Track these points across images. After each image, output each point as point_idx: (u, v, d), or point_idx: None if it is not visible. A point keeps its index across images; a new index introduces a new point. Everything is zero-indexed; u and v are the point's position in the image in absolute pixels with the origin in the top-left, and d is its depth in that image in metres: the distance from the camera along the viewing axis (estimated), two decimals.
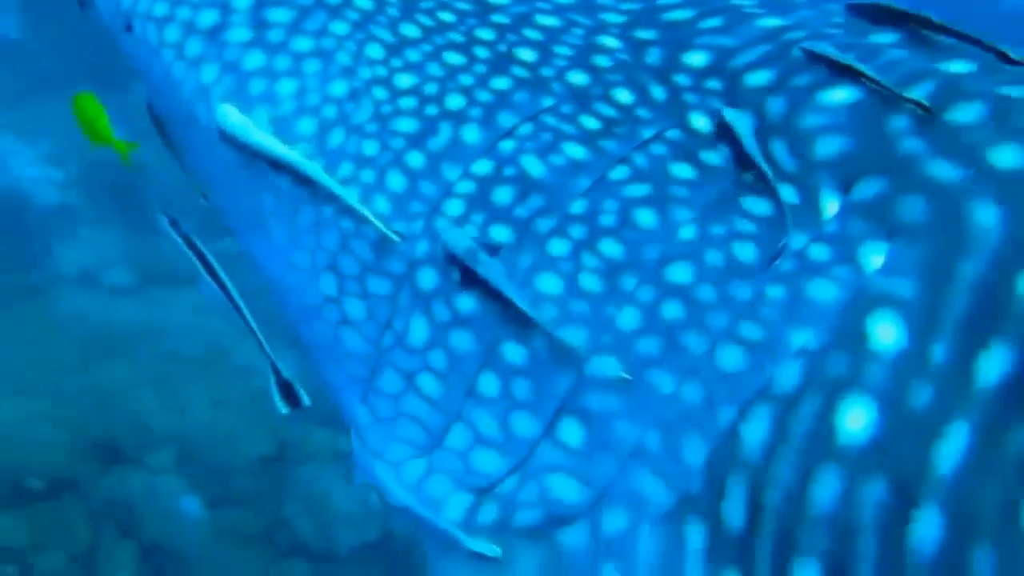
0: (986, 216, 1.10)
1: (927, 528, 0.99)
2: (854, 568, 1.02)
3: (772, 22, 1.44)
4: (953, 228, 1.12)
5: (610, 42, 1.48)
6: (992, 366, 1.01)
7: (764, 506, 1.10)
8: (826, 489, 1.06)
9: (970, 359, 1.03)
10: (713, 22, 1.47)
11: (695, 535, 1.14)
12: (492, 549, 1.24)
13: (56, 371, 5.77)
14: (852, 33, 1.40)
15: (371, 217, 1.40)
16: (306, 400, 1.70)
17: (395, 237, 1.39)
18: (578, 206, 1.32)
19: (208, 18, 1.56)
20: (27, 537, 4.81)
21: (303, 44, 1.53)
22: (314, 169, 1.44)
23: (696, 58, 1.43)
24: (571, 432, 1.23)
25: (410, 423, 1.38)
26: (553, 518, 1.22)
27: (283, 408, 1.68)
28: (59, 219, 7.55)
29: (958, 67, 1.28)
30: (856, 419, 1.07)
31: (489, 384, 1.30)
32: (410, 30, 1.52)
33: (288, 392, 1.70)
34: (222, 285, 1.88)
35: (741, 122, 1.29)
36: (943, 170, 1.16)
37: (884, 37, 1.38)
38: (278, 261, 1.54)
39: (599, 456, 1.21)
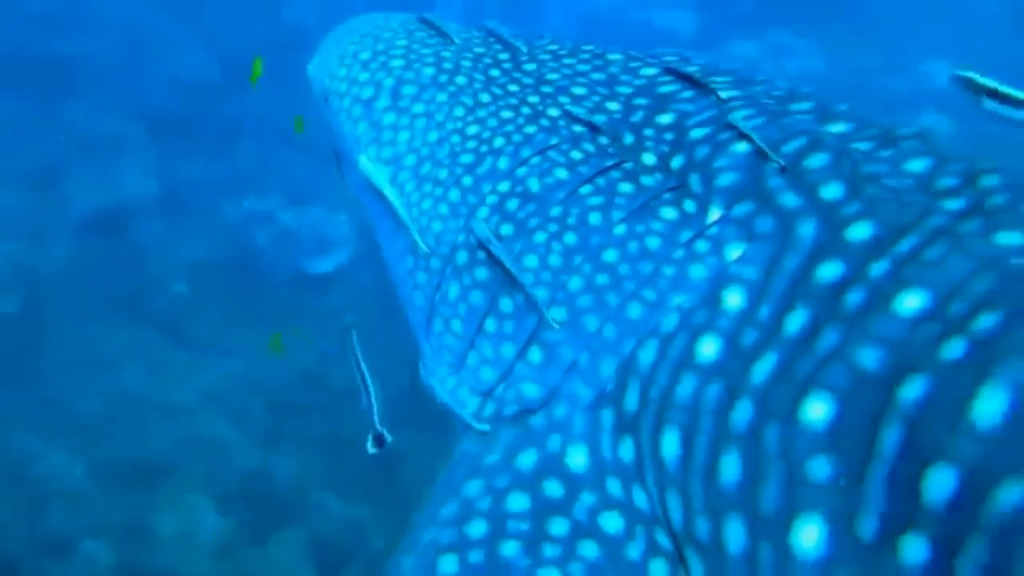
0: (806, 229, 1.63)
1: (742, 414, 1.52)
2: (697, 438, 1.57)
3: (726, 94, 2.04)
4: (787, 237, 1.66)
5: (612, 105, 2.11)
6: (795, 321, 1.54)
7: (649, 398, 1.67)
8: (686, 388, 1.62)
9: (783, 318, 1.56)
10: (686, 94, 2.08)
11: (607, 418, 1.73)
12: (488, 429, 1.88)
13: None
14: (781, 102, 1.99)
15: (413, 230, 2.16)
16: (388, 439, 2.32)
17: (424, 247, 2.13)
18: (555, 210, 1.94)
19: (366, 93, 2.34)
20: None
21: (418, 108, 2.26)
22: (394, 196, 2.20)
23: (664, 118, 2.03)
24: (535, 354, 1.84)
25: (447, 351, 2.04)
26: (524, 410, 1.82)
27: (372, 449, 2.29)
28: None
29: (833, 128, 1.86)
30: (707, 349, 1.62)
31: (490, 324, 1.93)
32: (484, 97, 2.23)
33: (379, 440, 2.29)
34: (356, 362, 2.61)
35: None
36: (789, 199, 1.69)
37: (799, 106, 1.96)
38: (387, 247, 2.34)
39: (551, 370, 1.80)
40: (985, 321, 1.30)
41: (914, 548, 1.24)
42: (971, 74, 1.80)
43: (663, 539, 1.57)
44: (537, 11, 9.87)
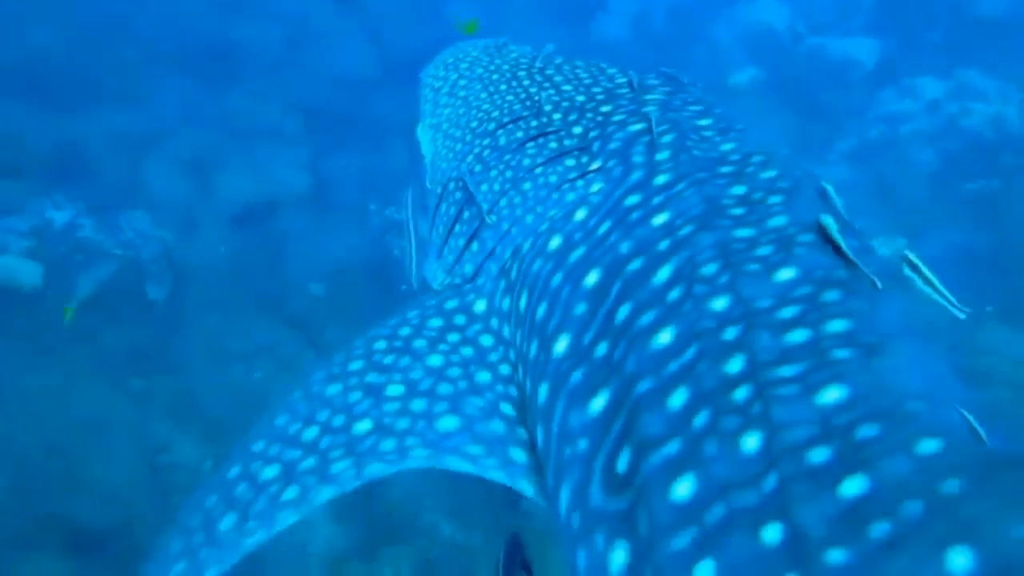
0: (635, 175, 2.36)
1: (556, 281, 2.22)
2: (534, 295, 2.28)
3: (652, 96, 2.74)
4: (623, 179, 2.40)
5: (580, 98, 2.85)
6: (602, 227, 2.25)
7: (520, 271, 2.40)
8: (536, 266, 2.35)
9: (598, 226, 2.27)
10: (628, 96, 2.77)
11: (501, 283, 2.47)
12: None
13: None
14: (682, 108, 2.63)
15: (428, 173, 3.07)
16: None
17: (430, 184, 3.02)
18: (506, 156, 2.72)
19: (437, 85, 3.27)
20: None
21: (461, 95, 3.20)
22: (427, 148, 3.09)
23: (605, 108, 2.73)
24: (474, 246, 2.63)
25: (435, 252, 2.83)
26: (463, 280, 2.60)
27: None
28: None
29: (703, 122, 2.53)
30: (553, 243, 2.35)
31: (456, 230, 2.74)
32: (502, 87, 3.08)
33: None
34: None
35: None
36: (637, 158, 2.41)
37: (704, 121, 2.54)
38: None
39: (480, 255, 2.60)
40: (684, 229, 2.04)
41: (602, 347, 1.95)
42: None
43: (512, 355, 2.31)
44: (705, 33, 9.47)
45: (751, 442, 1.52)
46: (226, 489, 2.05)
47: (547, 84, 2.95)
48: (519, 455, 2.06)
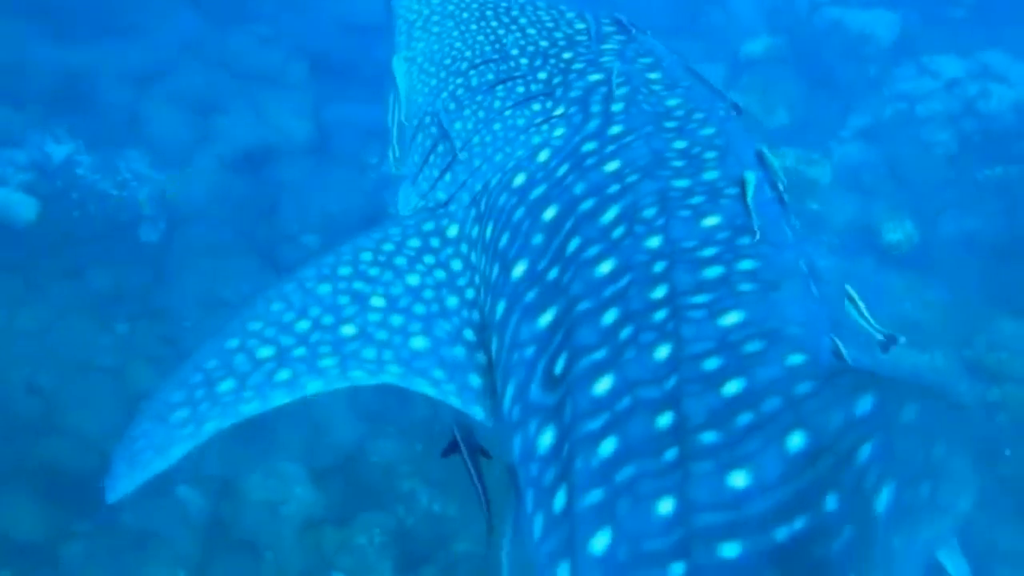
0: (592, 124, 2.68)
1: (518, 214, 2.53)
2: (497, 224, 2.59)
3: (608, 46, 2.97)
4: (582, 127, 2.70)
5: (544, 43, 3.05)
6: (561, 169, 2.55)
7: (488, 203, 2.67)
8: (502, 200, 2.63)
9: (558, 167, 2.57)
10: (585, 43, 3.00)
11: (472, 212, 2.72)
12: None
13: None
14: (635, 59, 2.88)
15: (403, 105, 3.22)
16: None
17: (404, 118, 3.19)
18: (478, 97, 2.94)
19: (411, 17, 3.34)
20: None
21: (435, 30, 3.32)
22: (402, 82, 3.20)
23: (566, 54, 2.96)
24: (447, 176, 2.85)
25: (411, 177, 3.02)
26: (436, 205, 2.81)
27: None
28: None
29: (652, 76, 2.80)
30: (518, 180, 2.64)
31: (431, 161, 2.96)
32: (472, 27, 3.22)
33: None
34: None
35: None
36: (595, 108, 2.72)
37: (653, 75, 2.80)
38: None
39: (452, 185, 2.82)
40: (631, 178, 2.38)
41: (553, 272, 2.30)
42: None
43: (476, 279, 2.55)
44: (723, 2, 9.17)
45: (662, 351, 1.90)
46: (225, 357, 2.28)
47: (513, 26, 3.12)
48: (475, 380, 2.37)
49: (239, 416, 2.19)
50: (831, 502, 1.55)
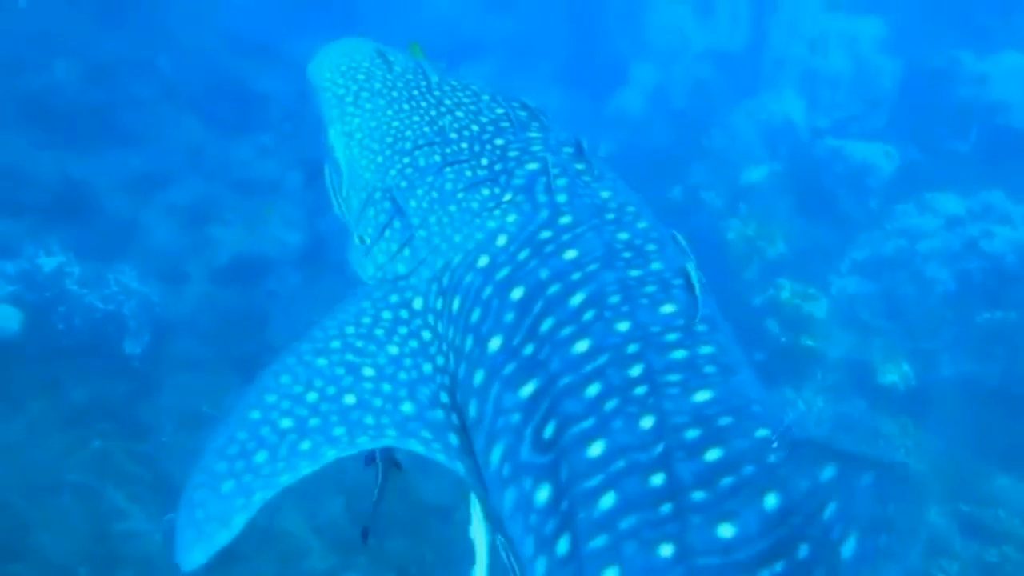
0: (542, 213, 2.79)
1: (480, 287, 2.67)
2: (463, 298, 2.71)
3: (534, 136, 3.13)
4: (533, 215, 2.80)
5: (474, 127, 3.15)
6: (523, 253, 2.67)
7: (452, 281, 2.77)
8: (467, 279, 2.72)
9: (518, 251, 2.69)
10: (511, 130, 3.14)
11: (435, 287, 2.82)
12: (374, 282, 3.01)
13: None
14: (560, 148, 3.07)
15: (346, 177, 3.23)
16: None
17: (347, 187, 3.23)
18: (428, 178, 3.02)
19: (340, 92, 3.32)
20: None
21: (367, 106, 3.32)
22: (343, 155, 3.22)
23: (498, 141, 3.08)
24: (406, 252, 2.93)
25: (363, 248, 3.06)
26: (396, 277, 2.91)
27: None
28: None
29: (579, 165, 3.00)
30: (482, 261, 2.74)
31: (387, 234, 3.01)
32: (405, 107, 3.25)
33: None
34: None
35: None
36: (541, 197, 2.85)
37: (579, 165, 3.01)
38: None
39: (413, 260, 2.90)
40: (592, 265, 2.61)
41: (529, 348, 2.48)
42: None
43: (444, 347, 2.72)
44: (724, 118, 9.20)
45: (647, 422, 2.18)
46: (252, 428, 2.42)
47: (442, 108, 3.28)
48: (454, 439, 2.59)
49: (278, 487, 2.33)
50: (803, 550, 1.97)
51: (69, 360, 6.81)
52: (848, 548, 1.98)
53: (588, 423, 2.25)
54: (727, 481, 2.05)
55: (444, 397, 2.66)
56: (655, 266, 2.59)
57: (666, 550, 2.00)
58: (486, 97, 3.33)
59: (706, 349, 2.34)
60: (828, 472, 2.01)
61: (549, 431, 2.31)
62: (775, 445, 2.08)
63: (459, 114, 3.23)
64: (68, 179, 8.67)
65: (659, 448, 2.13)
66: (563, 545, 2.14)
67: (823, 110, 9.15)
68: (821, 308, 7.02)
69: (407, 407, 2.60)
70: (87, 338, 6.97)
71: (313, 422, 2.48)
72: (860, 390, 6.76)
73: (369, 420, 2.53)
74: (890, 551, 1.99)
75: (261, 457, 2.38)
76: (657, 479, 2.09)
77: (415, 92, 3.35)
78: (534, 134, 3.18)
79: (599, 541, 2.08)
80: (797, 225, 7.91)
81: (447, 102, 3.29)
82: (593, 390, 2.30)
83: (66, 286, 7.08)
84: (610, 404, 2.25)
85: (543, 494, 2.25)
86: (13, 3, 10.43)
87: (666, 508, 2.04)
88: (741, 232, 7.69)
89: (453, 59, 10.61)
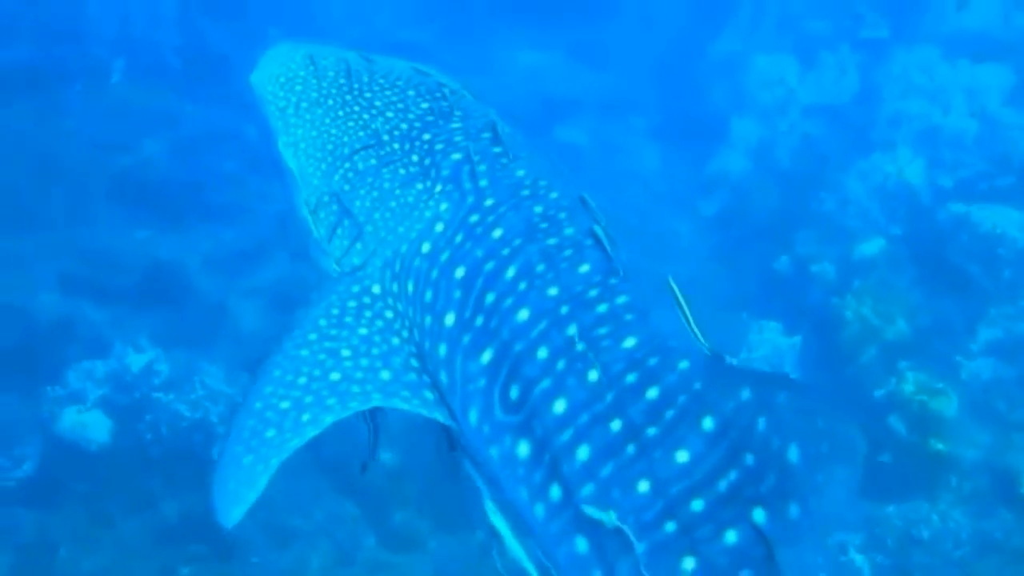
0: (470, 198, 3.18)
1: (431, 271, 3.10)
2: (416, 282, 3.12)
3: (457, 125, 3.52)
4: (462, 202, 3.18)
5: (403, 125, 3.50)
6: (457, 237, 3.09)
7: (403, 266, 3.17)
8: (415, 263, 3.14)
9: (454, 235, 3.11)
10: (438, 123, 3.50)
11: (388, 274, 3.19)
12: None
13: None
14: (482, 131, 3.43)
15: (301, 185, 3.53)
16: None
17: (304, 196, 3.54)
18: (368, 178, 3.38)
19: (282, 104, 3.66)
20: None
21: (307, 116, 3.68)
22: (293, 165, 3.54)
23: (425, 135, 3.44)
24: (359, 245, 3.30)
25: (325, 244, 3.42)
26: (354, 269, 3.26)
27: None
28: None
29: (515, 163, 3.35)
30: (425, 247, 3.16)
31: (341, 226, 3.37)
32: (340, 112, 3.60)
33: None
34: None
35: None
36: (467, 185, 3.22)
37: (497, 148, 3.35)
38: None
39: (365, 252, 3.29)
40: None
41: (480, 319, 2.91)
42: None
43: (407, 323, 3.11)
44: (835, 179, 8.58)
45: (593, 375, 2.60)
46: (258, 415, 2.82)
47: (374, 110, 3.58)
48: (429, 395, 2.96)
49: (289, 450, 2.75)
50: (749, 459, 2.41)
51: (158, 472, 6.70)
52: (793, 454, 2.40)
53: (546, 383, 2.68)
54: (670, 414, 2.51)
55: (414, 362, 3.06)
56: (568, 231, 2.97)
57: (643, 486, 2.48)
58: (412, 92, 3.64)
59: (622, 299, 2.76)
60: (745, 393, 2.47)
61: (515, 393, 2.75)
62: (695, 373, 2.55)
63: (389, 115, 3.57)
64: (156, 260, 8.61)
65: (610, 397, 2.58)
66: (555, 492, 2.61)
67: (946, 171, 8.40)
68: (951, 405, 6.36)
69: (385, 374, 2.99)
70: (175, 446, 6.84)
71: (308, 399, 2.89)
72: (1004, 500, 6.12)
73: (355, 389, 2.92)
74: (836, 452, 2.41)
75: (270, 433, 2.81)
76: (616, 425, 2.55)
77: (347, 97, 3.67)
78: (455, 124, 3.50)
79: (588, 489, 2.54)
80: (919, 302, 7.26)
81: (378, 103, 3.62)
82: (543, 353, 2.72)
83: (153, 391, 6.99)
84: (560, 364, 2.68)
85: (524, 449, 2.70)
86: (106, 77, 10.52)
87: (631, 449, 2.51)
88: (856, 311, 7.11)
89: (548, 116, 10.38)
